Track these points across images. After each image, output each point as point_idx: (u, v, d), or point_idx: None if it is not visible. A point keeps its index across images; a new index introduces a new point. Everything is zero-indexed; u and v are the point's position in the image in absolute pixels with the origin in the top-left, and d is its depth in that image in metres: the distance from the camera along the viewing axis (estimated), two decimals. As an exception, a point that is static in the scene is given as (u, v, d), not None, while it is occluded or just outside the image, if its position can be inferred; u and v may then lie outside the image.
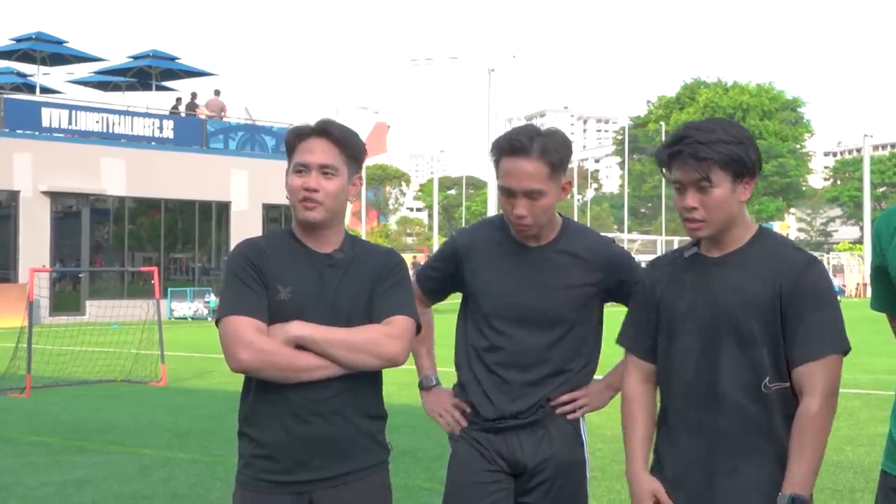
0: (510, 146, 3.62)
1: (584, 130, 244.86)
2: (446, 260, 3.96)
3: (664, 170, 3.29)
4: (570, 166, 3.77)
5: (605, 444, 9.68)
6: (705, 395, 3.27)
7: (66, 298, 34.87)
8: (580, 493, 3.83)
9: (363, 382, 3.43)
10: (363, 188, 56.72)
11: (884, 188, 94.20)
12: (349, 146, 3.43)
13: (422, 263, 3.64)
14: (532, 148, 3.59)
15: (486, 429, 3.80)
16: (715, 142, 3.15)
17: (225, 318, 3.36)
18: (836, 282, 61.57)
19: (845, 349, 3.21)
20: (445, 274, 3.97)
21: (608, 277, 3.80)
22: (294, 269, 3.42)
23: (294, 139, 3.44)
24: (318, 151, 3.39)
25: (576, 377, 3.82)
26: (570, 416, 3.81)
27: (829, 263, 74.28)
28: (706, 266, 3.33)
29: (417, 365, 4.09)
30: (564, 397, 3.80)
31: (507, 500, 3.78)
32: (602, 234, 4.08)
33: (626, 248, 4.34)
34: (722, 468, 3.25)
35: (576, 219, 4.35)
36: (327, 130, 3.41)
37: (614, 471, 8.68)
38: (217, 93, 41.00)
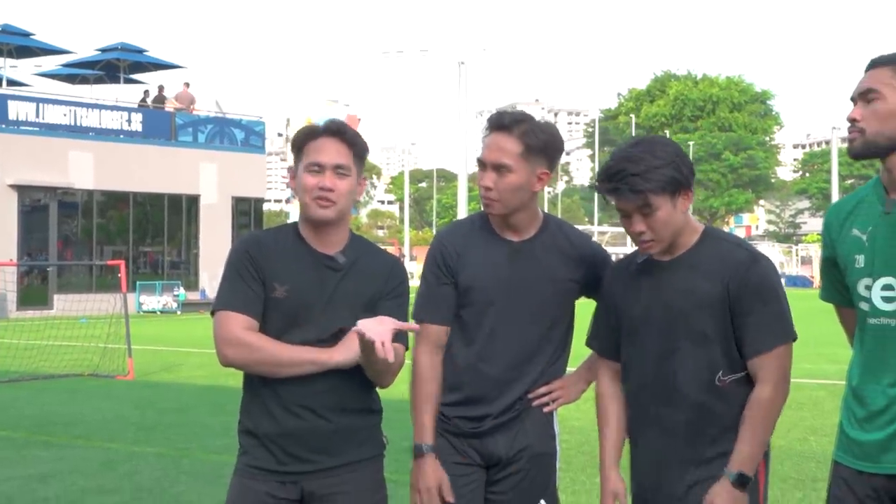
0: (494, 122, 3.70)
1: (555, 123, 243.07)
2: (441, 271, 3.80)
3: (604, 198, 3.43)
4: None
5: (571, 435, 9.71)
6: (664, 392, 3.41)
7: (33, 292, 34.64)
8: (549, 484, 3.84)
9: (357, 378, 3.47)
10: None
11: (852, 180, 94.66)
12: (358, 146, 3.50)
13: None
14: (513, 126, 3.65)
15: (464, 434, 3.79)
16: (647, 170, 3.28)
17: (217, 312, 3.46)
18: (805, 273, 62.13)
19: (793, 338, 3.38)
20: (450, 286, 3.79)
21: (589, 273, 3.81)
22: (293, 268, 3.47)
23: (305, 138, 3.49)
24: (333, 151, 3.44)
25: (552, 370, 3.84)
26: (545, 409, 3.82)
27: (797, 255, 74.83)
28: (658, 270, 3.46)
29: (418, 422, 3.74)
30: (541, 389, 3.81)
31: (478, 493, 3.79)
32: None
33: (596, 239, 4.34)
34: (683, 459, 3.38)
35: (546, 211, 4.28)
36: (341, 131, 3.48)
37: (579, 462, 8.73)
38: (187, 85, 40.82)
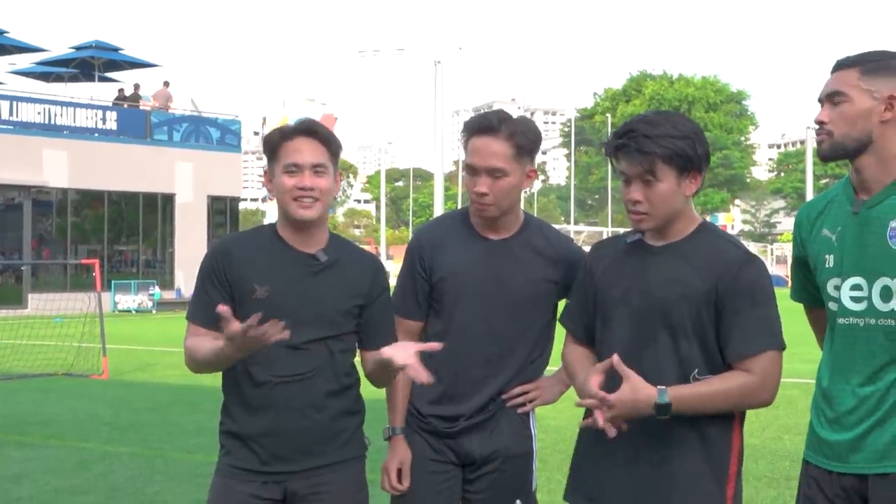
0: (479, 125, 3.70)
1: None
2: (416, 265, 3.87)
3: (612, 160, 3.30)
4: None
5: (547, 434, 9.73)
6: None
7: (7, 292, 34.46)
8: (525, 484, 3.84)
9: (341, 379, 3.52)
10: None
11: (826, 180, 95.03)
12: (333, 144, 3.51)
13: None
14: (500, 128, 3.65)
15: (439, 434, 3.81)
16: (661, 136, 3.16)
17: (187, 322, 3.56)
18: (779, 272, 62.37)
19: (782, 347, 3.23)
20: (424, 281, 3.87)
21: (568, 275, 3.79)
22: (272, 268, 3.48)
23: (279, 140, 3.48)
24: (308, 151, 3.45)
25: (528, 370, 3.83)
26: (520, 410, 3.82)
27: (772, 255, 75.03)
28: (646, 254, 3.33)
29: (389, 407, 3.90)
30: (516, 390, 3.81)
31: (454, 491, 3.82)
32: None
33: (571, 238, 4.31)
34: (648, 456, 3.25)
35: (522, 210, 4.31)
36: (314, 129, 3.49)
37: (555, 461, 8.72)
38: (166, 84, 40.71)
